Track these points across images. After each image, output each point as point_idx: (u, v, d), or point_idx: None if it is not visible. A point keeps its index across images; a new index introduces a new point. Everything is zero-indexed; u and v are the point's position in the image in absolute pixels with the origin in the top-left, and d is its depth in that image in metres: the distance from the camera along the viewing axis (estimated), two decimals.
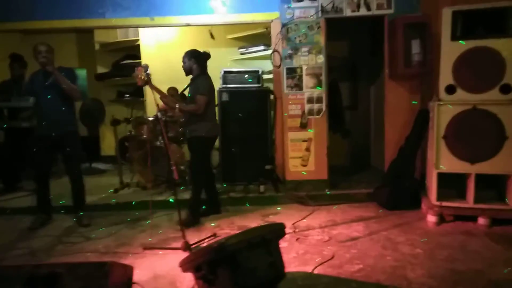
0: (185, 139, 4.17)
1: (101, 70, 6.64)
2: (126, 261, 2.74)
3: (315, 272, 2.63)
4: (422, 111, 3.99)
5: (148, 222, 3.73)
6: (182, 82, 3.87)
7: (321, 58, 4.30)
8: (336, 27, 4.39)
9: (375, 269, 2.63)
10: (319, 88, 4.28)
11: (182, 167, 4.56)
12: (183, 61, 3.68)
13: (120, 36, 6.30)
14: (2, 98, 4.52)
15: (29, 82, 3.74)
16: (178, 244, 3.06)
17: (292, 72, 4.32)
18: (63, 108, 3.61)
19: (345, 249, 2.98)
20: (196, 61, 3.65)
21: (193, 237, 3.27)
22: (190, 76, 3.73)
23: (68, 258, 2.96)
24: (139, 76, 3.27)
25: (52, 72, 3.50)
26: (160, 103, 3.46)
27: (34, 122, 3.93)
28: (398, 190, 3.88)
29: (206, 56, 3.71)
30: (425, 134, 3.86)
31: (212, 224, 3.67)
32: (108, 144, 6.68)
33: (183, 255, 2.88)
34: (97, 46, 6.54)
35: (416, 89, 4.29)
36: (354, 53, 5.59)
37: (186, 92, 3.81)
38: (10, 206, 4.24)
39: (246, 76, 4.65)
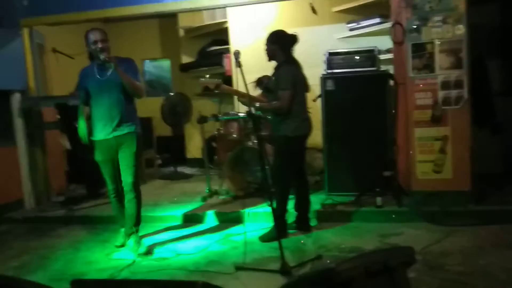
0: (271, 141, 4.26)
1: (186, 59, 7.11)
2: (217, 282, 2.83)
3: None
4: None
5: (240, 238, 3.83)
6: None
7: (460, 29, 3.98)
8: None
9: None
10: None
11: None
12: (265, 45, 3.75)
13: (206, 19, 6.64)
14: None
15: (81, 78, 3.71)
16: (276, 265, 3.10)
17: (420, 49, 4.08)
18: (124, 107, 3.62)
19: (498, 286, 2.73)
20: (280, 46, 3.68)
21: (293, 257, 3.29)
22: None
23: (153, 275, 3.19)
24: (207, 85, 3.41)
25: (112, 63, 3.45)
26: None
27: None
28: None
29: (292, 39, 3.72)
30: None
31: (315, 243, 3.66)
32: (195, 145, 7.09)
33: (282, 279, 2.92)
34: (181, 33, 7.02)
35: None
36: (507, 20, 5.09)
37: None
38: (93, 214, 4.76)
39: (357, 57, 4.54)
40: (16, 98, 4.97)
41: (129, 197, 3.65)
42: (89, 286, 2.31)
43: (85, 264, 3.54)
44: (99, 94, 3.59)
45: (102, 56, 3.46)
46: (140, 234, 3.82)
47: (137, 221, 3.72)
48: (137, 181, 3.68)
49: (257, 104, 3.73)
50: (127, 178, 3.62)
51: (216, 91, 4.93)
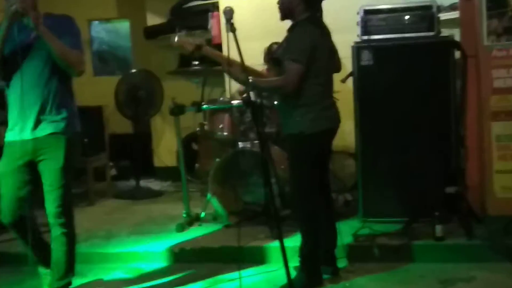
0: (282, 139, 4.25)
1: (153, 21, 7.13)
2: None
3: None
4: None
5: (233, 284, 3.84)
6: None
7: None
8: None
9: None
10: None
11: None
12: None
13: None
14: None
15: None
16: None
17: (499, 4, 4.07)
18: (51, 90, 3.49)
19: None
20: None
21: None
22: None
23: None
24: (183, 45, 3.43)
25: (35, 22, 3.27)
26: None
27: None
28: None
29: None
30: None
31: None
32: (166, 147, 7.09)
33: None
34: None
35: None
36: None
37: None
38: None
39: (407, 17, 4.53)
40: None
41: (55, 233, 3.53)
42: None
43: None
44: (14, 66, 3.40)
45: (13, 7, 3.20)
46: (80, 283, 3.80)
47: (68, 269, 3.61)
48: (68, 208, 3.58)
49: (251, 79, 3.64)
50: (51, 206, 3.50)
51: (196, 58, 4.90)
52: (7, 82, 3.48)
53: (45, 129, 3.42)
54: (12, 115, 3.47)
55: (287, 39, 3.71)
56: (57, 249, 3.52)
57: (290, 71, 3.53)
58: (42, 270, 3.77)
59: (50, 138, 3.44)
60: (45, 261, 3.69)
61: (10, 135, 3.49)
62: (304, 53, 3.54)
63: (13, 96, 3.45)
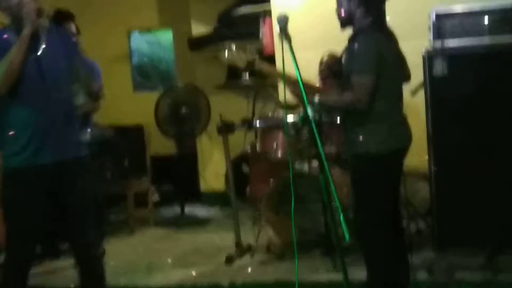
0: (343, 159, 4.20)
1: (198, 29, 7.21)
2: None
3: None
4: None
5: None
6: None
7: None
8: None
9: None
10: None
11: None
12: (337, 3, 3.70)
13: None
14: None
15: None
16: None
17: None
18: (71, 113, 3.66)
19: None
20: (361, 2, 3.62)
21: None
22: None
23: None
24: (235, 61, 3.56)
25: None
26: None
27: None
28: None
29: None
30: None
31: None
32: (213, 169, 7.10)
33: None
34: None
35: None
36: None
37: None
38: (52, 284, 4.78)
39: (487, 20, 4.46)
40: None
41: (89, 267, 3.69)
42: None
43: None
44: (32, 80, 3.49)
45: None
46: None
47: None
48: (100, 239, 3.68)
49: (316, 97, 3.66)
50: (84, 236, 3.65)
51: (249, 73, 4.90)
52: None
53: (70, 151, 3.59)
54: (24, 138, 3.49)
55: (349, 49, 3.67)
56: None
57: (360, 85, 3.50)
58: None
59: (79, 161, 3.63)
60: None
61: (16, 160, 3.51)
62: (372, 64, 3.52)
63: (25, 115, 3.48)
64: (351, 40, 3.66)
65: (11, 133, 3.46)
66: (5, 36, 3.51)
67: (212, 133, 6.21)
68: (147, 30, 8.11)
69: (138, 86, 8.19)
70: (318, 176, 3.81)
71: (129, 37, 8.05)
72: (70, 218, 3.66)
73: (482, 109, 4.39)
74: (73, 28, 5.06)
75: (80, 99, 4.88)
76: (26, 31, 3.38)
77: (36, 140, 3.45)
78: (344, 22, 3.69)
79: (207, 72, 7.13)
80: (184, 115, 6.36)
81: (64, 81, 3.57)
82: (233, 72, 6.84)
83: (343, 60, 3.73)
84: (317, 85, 4.02)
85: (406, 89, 3.91)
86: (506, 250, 4.23)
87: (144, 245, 5.74)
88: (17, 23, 3.47)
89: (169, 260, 5.08)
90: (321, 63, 5.26)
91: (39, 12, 3.43)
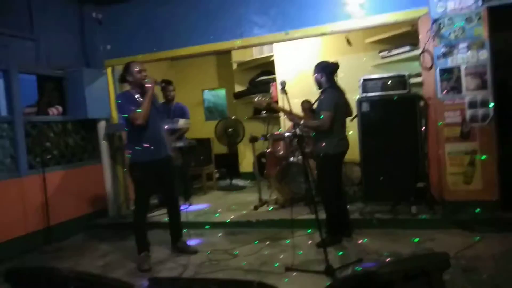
0: (313, 157, 4.19)
1: (238, 88, 7.22)
2: (270, 280, 2.81)
3: None
4: None
5: (288, 242, 3.77)
6: (317, 94, 3.86)
7: (484, 54, 3.80)
8: (503, 15, 3.82)
9: None
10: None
11: None
12: (313, 75, 3.72)
13: (255, 53, 6.74)
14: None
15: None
16: (321, 267, 3.03)
17: (447, 73, 3.93)
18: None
19: None
20: (323, 74, 3.64)
21: (336, 260, 3.21)
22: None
23: (215, 274, 3.21)
24: (260, 103, 3.60)
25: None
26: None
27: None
28: None
29: (333, 67, 3.66)
30: None
31: (356, 248, 3.56)
32: (247, 161, 7.13)
33: (327, 279, 2.86)
34: (234, 66, 7.16)
35: None
36: None
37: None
38: (163, 220, 4.83)
39: (390, 82, 4.41)
40: (102, 125, 5.22)
41: (175, 209, 3.82)
42: (163, 282, 2.36)
43: (158, 264, 3.59)
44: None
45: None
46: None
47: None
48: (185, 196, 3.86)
49: (302, 121, 3.69)
50: (173, 194, 3.79)
51: (266, 110, 4.93)
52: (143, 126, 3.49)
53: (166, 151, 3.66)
54: (147, 146, 3.52)
55: (320, 98, 3.68)
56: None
57: (326, 117, 3.52)
58: None
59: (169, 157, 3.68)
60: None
61: (146, 156, 3.51)
62: (332, 105, 3.54)
63: (148, 135, 3.52)
64: (321, 93, 3.70)
65: (145, 145, 3.49)
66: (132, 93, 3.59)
67: (246, 142, 6.21)
68: (212, 88, 8.18)
69: (207, 118, 8.25)
70: (302, 164, 3.85)
71: (202, 93, 8.13)
72: (166, 186, 3.73)
73: (387, 128, 4.34)
74: (171, 88, 5.16)
75: (178, 125, 4.98)
76: (149, 93, 3.47)
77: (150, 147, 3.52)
78: (318, 86, 3.72)
79: (243, 110, 7.12)
80: (230, 133, 6.37)
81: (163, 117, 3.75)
82: (256, 111, 6.88)
83: (316, 104, 3.74)
84: (302, 115, 4.00)
85: (349, 119, 3.89)
86: (402, 202, 4.18)
87: (211, 200, 5.70)
88: (138, 88, 3.55)
89: (222, 209, 5.05)
90: (302, 105, 5.24)
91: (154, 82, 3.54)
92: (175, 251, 3.81)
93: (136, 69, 3.54)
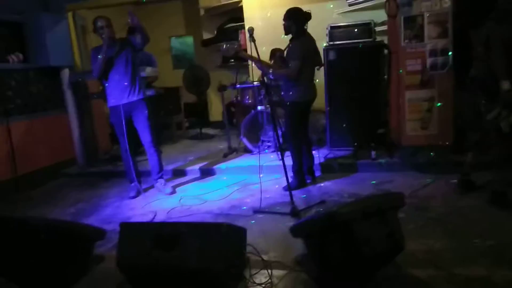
0: (281, 105, 4.21)
1: (206, 36, 7.00)
2: (239, 223, 2.92)
3: (437, 246, 2.48)
4: None
5: (256, 187, 3.87)
6: (286, 42, 3.80)
7: (446, 2, 3.82)
8: None
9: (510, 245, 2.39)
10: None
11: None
12: (283, 20, 3.62)
13: None
14: None
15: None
16: (287, 209, 3.17)
17: (411, 21, 3.94)
18: (133, 77, 3.83)
19: (473, 223, 2.75)
20: (294, 22, 3.55)
21: (301, 202, 3.36)
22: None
23: (186, 218, 3.30)
24: (227, 51, 3.53)
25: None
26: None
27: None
28: None
29: (305, 16, 3.57)
30: None
31: (319, 191, 3.70)
32: (216, 110, 7.11)
33: (293, 220, 3.00)
34: (202, 12, 6.86)
35: None
36: None
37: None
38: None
39: (356, 30, 4.38)
40: (65, 73, 4.98)
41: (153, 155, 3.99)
42: (134, 227, 2.43)
43: (130, 210, 3.64)
44: (108, 70, 3.75)
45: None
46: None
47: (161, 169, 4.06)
48: (155, 138, 3.94)
49: (270, 70, 3.67)
50: (146, 137, 3.90)
51: (234, 58, 4.82)
52: (104, 79, 3.75)
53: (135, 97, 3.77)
54: (114, 93, 3.74)
55: (289, 46, 3.63)
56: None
57: (293, 66, 3.50)
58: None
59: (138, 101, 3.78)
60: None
61: (113, 102, 3.75)
62: (300, 55, 3.50)
63: (112, 84, 3.71)
64: (290, 41, 3.64)
65: (111, 91, 3.73)
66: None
67: (215, 91, 6.16)
68: (179, 36, 7.90)
69: (175, 66, 8.05)
70: (270, 112, 3.87)
71: (170, 40, 7.86)
72: (140, 128, 3.85)
73: (352, 76, 4.39)
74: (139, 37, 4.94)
75: (145, 73, 4.85)
76: (104, 48, 3.63)
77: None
78: (286, 32, 3.64)
79: (212, 59, 6.97)
80: (199, 82, 6.27)
81: (130, 65, 3.73)
82: (225, 59, 6.76)
83: (285, 52, 3.70)
84: (270, 63, 3.95)
85: (318, 68, 3.82)
86: (362, 148, 4.32)
87: (181, 149, 5.69)
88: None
89: (192, 158, 5.05)
90: (271, 53, 5.21)
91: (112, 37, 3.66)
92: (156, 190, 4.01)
93: (98, 24, 3.66)
